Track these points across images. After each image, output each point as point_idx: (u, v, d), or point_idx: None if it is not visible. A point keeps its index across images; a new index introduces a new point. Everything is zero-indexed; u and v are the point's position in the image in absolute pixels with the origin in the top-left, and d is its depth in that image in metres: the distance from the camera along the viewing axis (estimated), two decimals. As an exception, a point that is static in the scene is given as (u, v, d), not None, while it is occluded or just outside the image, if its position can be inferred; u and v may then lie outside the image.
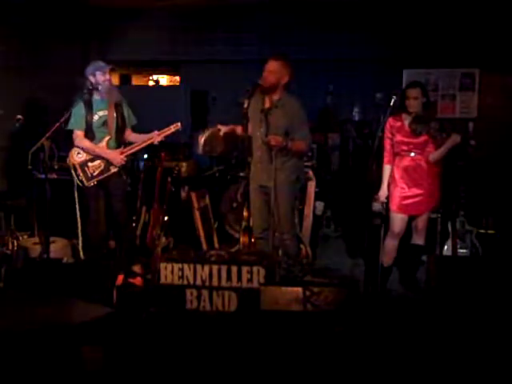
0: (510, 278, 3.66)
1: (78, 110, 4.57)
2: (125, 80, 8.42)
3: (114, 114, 4.63)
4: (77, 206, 4.81)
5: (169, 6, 6.74)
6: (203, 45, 7.10)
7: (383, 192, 4.43)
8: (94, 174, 4.62)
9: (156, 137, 4.59)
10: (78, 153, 4.63)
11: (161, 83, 8.87)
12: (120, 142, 4.70)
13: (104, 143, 4.61)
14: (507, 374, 2.88)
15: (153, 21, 6.98)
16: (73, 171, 4.65)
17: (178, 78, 8.13)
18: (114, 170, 4.63)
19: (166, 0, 6.55)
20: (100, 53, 7.20)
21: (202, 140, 4.86)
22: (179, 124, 4.58)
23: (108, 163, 4.61)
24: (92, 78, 4.56)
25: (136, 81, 8.75)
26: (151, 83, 8.81)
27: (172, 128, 4.59)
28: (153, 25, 7.01)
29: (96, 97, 4.62)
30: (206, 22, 7.06)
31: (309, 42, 6.80)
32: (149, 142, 4.65)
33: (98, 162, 4.62)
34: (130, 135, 4.80)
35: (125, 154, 4.65)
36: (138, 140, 4.74)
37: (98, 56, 7.11)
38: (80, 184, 4.65)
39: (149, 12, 6.89)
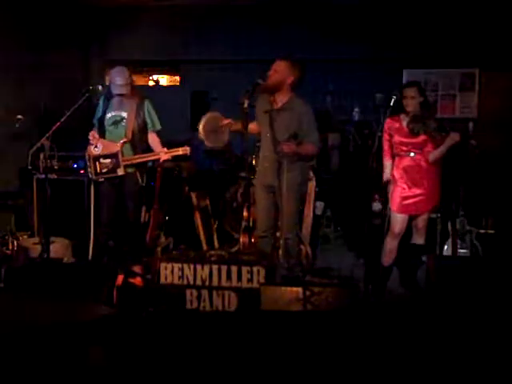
0: (510, 278, 3.66)
1: (97, 107, 4.79)
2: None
3: (134, 118, 4.68)
4: (92, 205, 4.84)
5: (169, 6, 6.74)
6: (203, 45, 7.09)
7: (386, 176, 4.41)
8: (103, 170, 4.66)
9: (163, 155, 4.66)
10: (96, 146, 4.67)
11: (161, 83, 8.87)
12: (136, 146, 4.72)
13: (119, 146, 4.64)
14: (507, 373, 2.88)
15: (153, 21, 6.97)
16: (87, 162, 4.74)
17: (177, 78, 8.12)
18: (120, 172, 4.65)
19: (166, 0, 6.55)
20: (100, 53, 7.21)
21: (202, 126, 4.32)
22: (188, 149, 4.65)
23: (116, 165, 4.64)
24: (110, 79, 4.68)
25: (136, 81, 8.74)
26: (151, 83, 8.80)
27: (180, 150, 4.65)
28: (153, 25, 7.00)
29: (114, 97, 4.70)
30: (205, 22, 7.05)
31: (309, 42, 6.80)
32: (154, 157, 4.73)
33: (109, 160, 4.65)
34: (151, 139, 4.81)
35: (126, 163, 4.67)
36: (153, 147, 4.79)
37: (98, 56, 7.16)
38: (90, 175, 4.74)
39: (149, 12, 6.89)
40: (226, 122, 4.29)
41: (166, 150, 4.67)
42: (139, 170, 4.73)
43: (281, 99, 4.18)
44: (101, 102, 4.79)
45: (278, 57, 4.19)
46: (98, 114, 4.79)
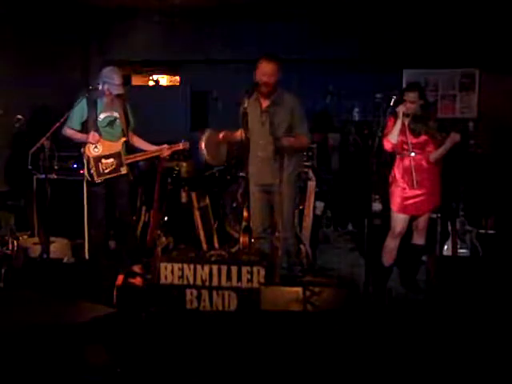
0: (510, 278, 3.66)
1: (79, 109, 4.61)
2: (125, 80, 8.40)
3: (123, 117, 4.72)
4: (85, 205, 4.83)
5: (168, 6, 6.74)
6: (203, 45, 7.10)
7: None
8: (106, 171, 4.67)
9: (165, 150, 4.77)
10: (95, 147, 4.65)
11: (161, 83, 8.88)
12: (129, 144, 4.80)
13: (120, 145, 4.69)
14: (507, 373, 2.88)
15: (153, 21, 6.98)
16: (86, 163, 4.68)
17: (177, 78, 8.13)
18: (123, 171, 4.68)
19: (166, 0, 6.55)
20: (100, 53, 7.20)
21: (203, 144, 4.37)
22: (187, 143, 4.86)
23: (119, 164, 4.67)
24: (101, 80, 4.62)
25: (136, 81, 8.74)
26: (151, 83, 8.82)
27: (181, 145, 4.84)
28: (153, 25, 7.00)
29: (103, 97, 4.66)
30: (205, 22, 7.06)
31: (309, 42, 6.80)
32: (157, 154, 4.80)
33: (111, 160, 4.66)
34: (133, 138, 4.87)
35: (130, 161, 4.74)
36: (143, 146, 4.87)
37: (98, 56, 7.15)
38: (89, 178, 4.67)
39: (149, 12, 6.89)
40: (221, 135, 4.29)
41: (167, 146, 4.78)
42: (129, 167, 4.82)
43: (270, 96, 4.21)
44: (83, 105, 4.62)
45: (267, 57, 4.18)
46: (83, 116, 4.64)
